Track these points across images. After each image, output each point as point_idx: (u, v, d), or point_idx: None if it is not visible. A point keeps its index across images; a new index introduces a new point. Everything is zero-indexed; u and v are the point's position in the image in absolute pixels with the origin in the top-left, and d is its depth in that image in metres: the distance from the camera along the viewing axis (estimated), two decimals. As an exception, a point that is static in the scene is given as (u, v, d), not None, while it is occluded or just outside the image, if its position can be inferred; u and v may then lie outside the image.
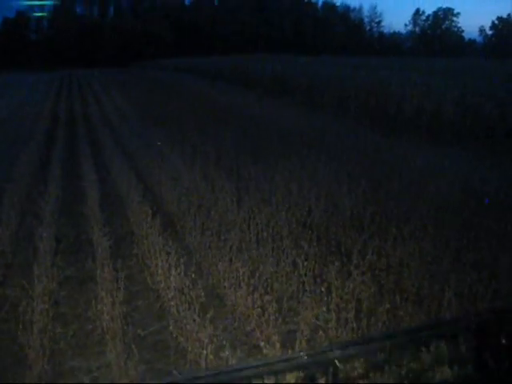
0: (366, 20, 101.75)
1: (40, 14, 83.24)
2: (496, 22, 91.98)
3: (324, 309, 4.32)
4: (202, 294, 4.71)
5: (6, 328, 4.85)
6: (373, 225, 6.00)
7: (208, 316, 4.13)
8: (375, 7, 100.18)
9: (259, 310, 4.34)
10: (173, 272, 5.01)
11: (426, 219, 5.98)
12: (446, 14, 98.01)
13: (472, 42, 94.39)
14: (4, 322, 4.94)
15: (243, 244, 5.63)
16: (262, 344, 4.00)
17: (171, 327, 4.66)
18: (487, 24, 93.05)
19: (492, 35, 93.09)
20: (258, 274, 4.87)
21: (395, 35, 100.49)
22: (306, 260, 5.00)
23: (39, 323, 4.69)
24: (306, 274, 4.86)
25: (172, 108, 16.75)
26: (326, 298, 4.41)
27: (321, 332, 4.04)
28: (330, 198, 6.99)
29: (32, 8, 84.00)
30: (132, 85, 30.75)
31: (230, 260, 5.19)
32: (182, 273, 4.96)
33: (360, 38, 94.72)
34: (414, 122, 14.32)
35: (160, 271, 5.37)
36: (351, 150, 10.07)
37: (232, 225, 6.18)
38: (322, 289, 4.47)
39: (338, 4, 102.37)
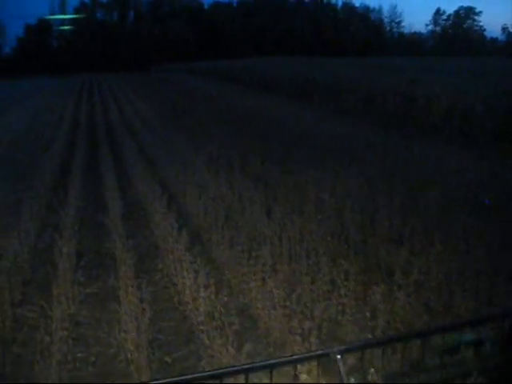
0: (386, 20, 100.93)
1: (63, 28, 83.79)
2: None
3: (370, 336, 3.90)
4: (234, 317, 4.33)
5: (23, 353, 4.51)
6: (414, 239, 5.54)
7: (240, 341, 3.75)
8: (395, 7, 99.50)
9: (298, 337, 3.92)
10: (202, 293, 4.63)
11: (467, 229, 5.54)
12: (468, 13, 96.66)
13: (494, 40, 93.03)
14: (21, 347, 4.61)
15: (276, 260, 5.23)
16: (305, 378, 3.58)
17: (201, 352, 4.29)
18: (510, 22, 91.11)
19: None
20: (294, 295, 4.47)
21: (416, 35, 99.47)
22: (345, 279, 4.58)
23: (58, 348, 4.36)
24: (346, 295, 4.45)
25: (193, 112, 16.44)
26: (370, 323, 3.99)
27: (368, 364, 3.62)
28: (366, 210, 6.56)
29: (54, 20, 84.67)
30: (152, 88, 30.59)
31: (263, 279, 4.79)
32: (212, 294, 4.58)
33: (380, 38, 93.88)
34: (445, 124, 13.79)
35: (187, 291, 5.00)
36: (379, 156, 9.63)
37: (262, 239, 5.78)
38: (367, 313, 4.05)
39: (357, 5, 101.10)
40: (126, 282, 5.14)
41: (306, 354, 1.56)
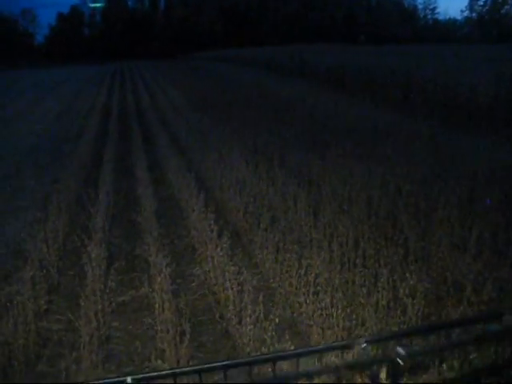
0: (421, 7, 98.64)
1: (95, 5, 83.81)
2: None
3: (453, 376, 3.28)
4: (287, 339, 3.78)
5: (48, 372, 4.04)
6: (484, 249, 4.88)
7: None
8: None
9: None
10: (248, 306, 4.09)
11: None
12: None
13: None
14: (47, 365, 4.14)
15: (327, 269, 4.64)
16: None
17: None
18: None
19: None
20: (351, 312, 3.90)
21: (451, 22, 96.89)
22: (412, 297, 3.97)
23: (87, 366, 3.89)
24: (416, 316, 3.85)
25: (228, 101, 15.79)
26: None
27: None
28: (422, 209, 5.91)
29: (85, 5, 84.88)
30: (185, 76, 30.07)
31: (317, 294, 4.22)
32: (259, 309, 4.03)
33: (414, 25, 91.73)
34: (490, 115, 12.93)
35: (230, 303, 4.46)
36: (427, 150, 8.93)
37: (310, 243, 5.19)
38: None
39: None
40: (161, 289, 4.64)
41: (332, 344, 1.53)
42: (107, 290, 4.91)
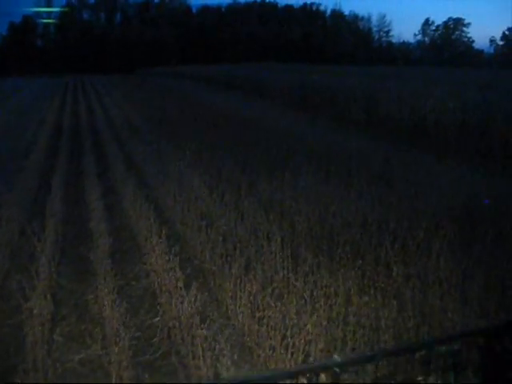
0: (375, 29, 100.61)
1: (48, 21, 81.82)
2: (507, 32, 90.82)
3: None
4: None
5: None
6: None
7: None
8: (384, 16, 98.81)
9: None
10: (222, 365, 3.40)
11: None
12: (457, 24, 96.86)
13: (480, 52, 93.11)
14: None
15: (314, 330, 3.96)
16: None
17: None
18: (498, 35, 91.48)
19: (503, 46, 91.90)
20: None
21: (404, 45, 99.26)
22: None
23: None
24: None
25: (187, 121, 15.08)
26: None
27: None
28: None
29: (39, 14, 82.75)
30: (140, 93, 29.12)
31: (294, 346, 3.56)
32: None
33: (369, 47, 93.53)
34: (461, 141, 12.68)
35: (203, 363, 3.74)
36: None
37: (291, 295, 4.50)
38: None
39: (346, 13, 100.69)
40: (118, 350, 3.90)
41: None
42: (48, 355, 4.11)
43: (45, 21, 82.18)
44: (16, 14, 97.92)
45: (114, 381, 3.78)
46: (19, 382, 3.80)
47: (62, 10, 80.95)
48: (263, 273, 4.81)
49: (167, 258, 5.28)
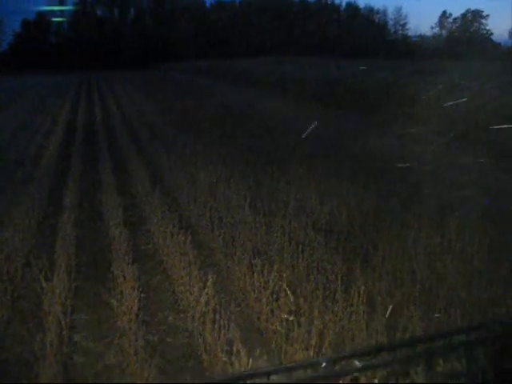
0: (391, 23, 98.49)
1: (60, 20, 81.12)
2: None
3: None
4: None
5: None
6: None
7: None
8: (400, 9, 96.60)
9: None
10: None
11: None
12: (475, 16, 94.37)
13: (497, 45, 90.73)
14: None
15: None
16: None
17: None
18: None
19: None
20: None
21: (421, 38, 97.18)
22: None
23: None
24: None
25: (212, 120, 13.81)
26: None
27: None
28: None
29: (52, 13, 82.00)
30: (157, 90, 27.97)
31: None
32: None
33: (384, 40, 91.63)
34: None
35: None
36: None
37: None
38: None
39: (361, 6, 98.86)
40: None
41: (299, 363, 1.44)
42: None
43: (57, 19, 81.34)
44: (29, 12, 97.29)
45: None
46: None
47: (75, 8, 79.89)
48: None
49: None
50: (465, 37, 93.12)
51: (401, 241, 5.14)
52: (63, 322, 4.55)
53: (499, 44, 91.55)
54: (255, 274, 4.53)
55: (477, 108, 13.57)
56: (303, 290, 4.44)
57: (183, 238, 5.36)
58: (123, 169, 10.14)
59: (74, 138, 14.29)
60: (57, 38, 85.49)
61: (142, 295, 4.96)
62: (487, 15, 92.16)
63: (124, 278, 4.91)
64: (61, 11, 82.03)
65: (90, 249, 6.16)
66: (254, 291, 4.53)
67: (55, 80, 43.58)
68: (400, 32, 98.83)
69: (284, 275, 4.42)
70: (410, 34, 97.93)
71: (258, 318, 4.33)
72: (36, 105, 23.05)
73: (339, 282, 4.26)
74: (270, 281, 4.35)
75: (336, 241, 5.45)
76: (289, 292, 4.03)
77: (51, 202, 8.05)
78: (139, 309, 4.69)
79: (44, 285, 4.83)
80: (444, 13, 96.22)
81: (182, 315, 4.72)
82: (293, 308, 4.12)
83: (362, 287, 4.00)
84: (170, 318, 4.73)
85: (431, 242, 5.11)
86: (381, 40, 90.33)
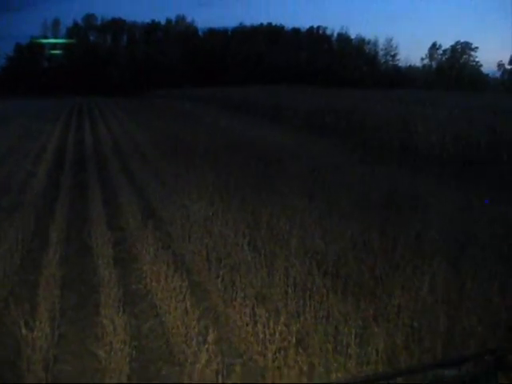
0: (381, 53, 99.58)
1: (55, 52, 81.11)
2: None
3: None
4: None
5: None
6: None
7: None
8: (391, 40, 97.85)
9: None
10: None
11: None
12: (464, 48, 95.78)
13: (485, 76, 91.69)
14: None
15: None
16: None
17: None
18: (506, 58, 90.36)
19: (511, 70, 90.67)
20: None
21: (411, 69, 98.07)
22: None
23: None
24: None
25: (206, 150, 13.43)
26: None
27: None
28: None
29: (47, 44, 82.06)
30: (149, 116, 27.64)
31: None
32: None
33: (374, 70, 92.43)
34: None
35: None
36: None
37: None
38: None
39: (353, 36, 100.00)
40: None
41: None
42: None
43: (53, 52, 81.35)
44: (24, 37, 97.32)
45: None
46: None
47: (69, 41, 79.78)
48: None
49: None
50: (454, 68, 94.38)
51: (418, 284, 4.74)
52: (44, 375, 4.11)
53: (487, 75, 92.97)
54: (259, 324, 4.10)
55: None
56: (312, 343, 4.01)
57: (179, 282, 4.92)
58: (113, 198, 9.71)
59: (63, 164, 13.84)
60: (49, 62, 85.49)
61: (134, 343, 4.50)
62: (476, 47, 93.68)
63: (113, 324, 4.45)
64: (54, 44, 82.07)
65: (77, 290, 5.68)
66: (259, 344, 4.09)
67: (46, 104, 43.20)
68: (390, 62, 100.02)
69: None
70: (400, 64, 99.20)
71: (263, 377, 3.89)
72: (26, 129, 22.63)
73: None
74: (277, 333, 3.91)
75: (343, 284, 5.04)
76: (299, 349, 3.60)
77: (37, 234, 7.58)
78: (130, 361, 4.23)
79: (24, 331, 4.37)
80: (434, 44, 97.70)
81: (177, 368, 4.27)
82: (302, 366, 3.69)
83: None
84: (164, 372, 4.27)
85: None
86: (371, 70, 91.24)
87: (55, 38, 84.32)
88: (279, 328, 3.96)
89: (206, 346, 3.81)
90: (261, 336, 4.09)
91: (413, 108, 17.57)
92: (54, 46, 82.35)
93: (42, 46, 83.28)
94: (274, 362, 3.83)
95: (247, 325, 4.32)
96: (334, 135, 16.94)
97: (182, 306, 4.65)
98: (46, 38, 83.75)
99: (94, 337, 4.61)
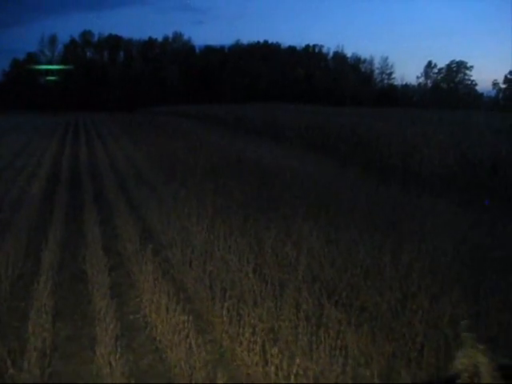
0: (377, 71, 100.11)
1: (50, 78, 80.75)
2: (509, 75, 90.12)
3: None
4: None
5: None
6: None
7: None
8: (386, 59, 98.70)
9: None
10: None
11: None
12: (459, 67, 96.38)
13: (479, 95, 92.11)
14: None
15: None
16: None
17: None
18: (501, 77, 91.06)
19: (505, 89, 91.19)
20: None
21: (406, 87, 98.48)
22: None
23: None
24: None
25: (204, 168, 13.10)
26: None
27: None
28: None
29: (43, 71, 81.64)
30: (143, 133, 27.30)
31: None
32: None
33: (370, 89, 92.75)
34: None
35: None
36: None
37: None
38: None
39: (348, 55, 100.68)
40: None
41: None
42: None
43: (50, 78, 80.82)
44: (20, 51, 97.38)
45: None
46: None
47: (65, 67, 79.25)
48: None
49: None
50: (449, 87, 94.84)
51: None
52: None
53: (482, 94, 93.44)
54: (271, 365, 3.73)
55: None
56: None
57: (181, 316, 4.55)
58: (109, 220, 9.32)
59: (57, 182, 13.45)
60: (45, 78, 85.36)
61: (132, 382, 4.12)
62: (471, 66, 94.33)
63: (110, 364, 4.07)
64: (51, 70, 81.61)
65: (70, 322, 5.28)
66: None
67: (42, 120, 42.91)
68: (386, 81, 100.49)
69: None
70: (395, 83, 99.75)
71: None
72: (21, 145, 22.30)
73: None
74: (292, 377, 3.55)
75: (357, 316, 4.68)
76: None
77: (28, 258, 7.18)
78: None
79: (11, 371, 3.99)
80: (429, 63, 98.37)
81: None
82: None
83: None
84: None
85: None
86: (367, 88, 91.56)
87: (52, 54, 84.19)
88: (294, 370, 3.59)
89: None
90: (273, 377, 3.72)
91: (416, 128, 17.30)
92: (50, 72, 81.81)
93: (39, 61, 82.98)
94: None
95: (257, 364, 3.94)
96: (331, 154, 16.68)
97: (184, 340, 4.27)
98: (43, 53, 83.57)
99: (88, 374, 4.22)
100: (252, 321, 4.40)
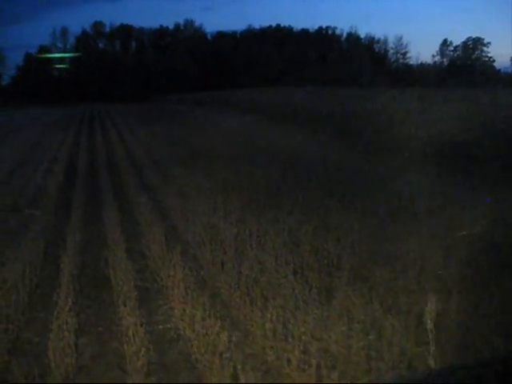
0: (392, 52, 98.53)
1: (61, 66, 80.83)
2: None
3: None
4: None
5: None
6: None
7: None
8: (401, 38, 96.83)
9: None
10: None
11: None
12: (476, 43, 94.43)
13: (497, 72, 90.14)
14: None
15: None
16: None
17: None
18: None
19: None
20: None
21: (422, 66, 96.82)
22: None
23: None
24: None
25: (228, 157, 12.50)
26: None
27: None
28: None
29: (52, 60, 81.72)
30: (161, 121, 26.73)
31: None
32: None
33: (385, 69, 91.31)
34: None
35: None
36: None
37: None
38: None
39: (362, 36, 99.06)
40: None
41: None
42: None
43: (59, 66, 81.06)
44: (33, 46, 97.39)
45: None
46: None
47: (74, 55, 79.34)
48: None
49: None
50: (466, 64, 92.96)
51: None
52: None
53: (499, 71, 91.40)
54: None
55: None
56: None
57: (216, 327, 4.01)
58: (131, 216, 8.83)
59: (75, 177, 13.02)
60: (59, 71, 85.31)
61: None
62: (488, 42, 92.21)
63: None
64: (60, 58, 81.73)
65: (94, 339, 4.76)
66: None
67: (57, 112, 42.63)
68: (401, 61, 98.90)
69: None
70: (411, 62, 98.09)
71: None
72: (38, 137, 21.93)
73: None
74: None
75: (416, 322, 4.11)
76: None
77: (47, 263, 6.71)
78: None
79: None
80: (445, 41, 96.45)
81: None
82: None
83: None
84: None
85: None
86: (382, 69, 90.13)
87: (64, 46, 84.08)
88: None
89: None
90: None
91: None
92: (61, 60, 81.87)
93: (52, 54, 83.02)
94: None
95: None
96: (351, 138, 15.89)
97: (222, 357, 3.74)
98: (55, 46, 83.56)
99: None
100: (303, 337, 3.83)
